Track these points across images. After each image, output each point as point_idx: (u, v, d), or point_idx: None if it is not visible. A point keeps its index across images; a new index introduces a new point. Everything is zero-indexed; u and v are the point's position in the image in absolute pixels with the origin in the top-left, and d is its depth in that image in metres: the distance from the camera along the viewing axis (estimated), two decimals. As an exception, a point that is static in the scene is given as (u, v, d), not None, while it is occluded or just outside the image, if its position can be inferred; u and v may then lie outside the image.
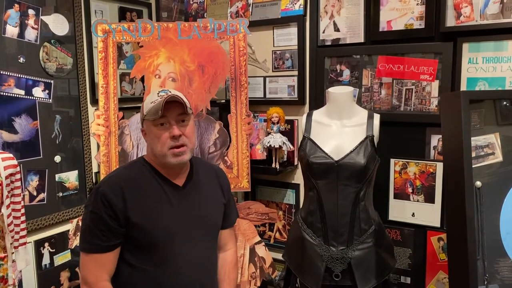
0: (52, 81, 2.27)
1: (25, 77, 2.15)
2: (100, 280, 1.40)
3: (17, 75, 2.11)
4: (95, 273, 1.40)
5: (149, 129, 1.45)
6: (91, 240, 1.39)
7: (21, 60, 2.13)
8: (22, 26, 2.14)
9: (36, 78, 2.20)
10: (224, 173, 1.73)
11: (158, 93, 1.45)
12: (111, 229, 1.39)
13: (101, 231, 1.38)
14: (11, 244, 1.77)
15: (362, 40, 2.20)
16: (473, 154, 1.40)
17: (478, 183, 1.38)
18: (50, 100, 2.27)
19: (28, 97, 2.17)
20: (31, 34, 2.17)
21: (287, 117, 2.34)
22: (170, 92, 1.45)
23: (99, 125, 2.17)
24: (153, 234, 1.42)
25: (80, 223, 2.17)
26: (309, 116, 1.95)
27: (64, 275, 2.39)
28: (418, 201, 2.12)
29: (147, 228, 1.41)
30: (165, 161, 1.45)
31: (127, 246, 1.43)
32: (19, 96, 2.13)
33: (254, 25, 2.40)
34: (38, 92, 2.21)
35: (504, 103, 1.50)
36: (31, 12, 2.17)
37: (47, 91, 2.25)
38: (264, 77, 2.49)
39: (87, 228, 1.40)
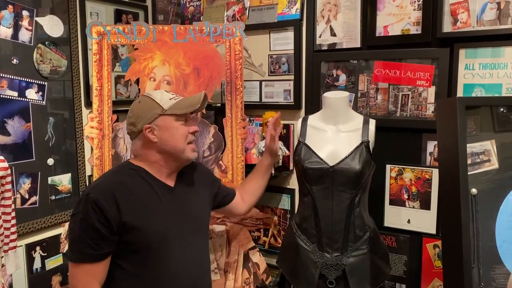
0: (46, 83, 2.25)
1: (19, 78, 2.13)
2: None
3: (10, 76, 2.09)
4: (85, 283, 1.37)
5: (169, 124, 1.48)
6: (82, 249, 1.35)
7: (15, 61, 2.11)
8: (16, 27, 2.12)
9: (29, 80, 2.18)
10: (204, 166, 1.83)
11: (166, 93, 1.53)
12: (103, 237, 1.35)
13: (92, 239, 1.35)
14: (0, 248, 1.75)
15: (358, 45, 2.19)
16: (469, 161, 1.39)
17: (474, 190, 1.37)
18: (44, 102, 2.25)
19: (21, 99, 2.14)
20: (25, 36, 2.15)
21: (283, 122, 2.31)
22: (177, 95, 1.55)
23: (92, 127, 2.15)
24: (149, 237, 1.40)
25: (72, 227, 2.14)
26: (304, 120, 1.93)
27: (56, 280, 2.36)
28: (413, 207, 2.11)
29: (143, 231, 1.39)
30: (182, 156, 1.50)
31: (121, 251, 1.41)
32: (12, 97, 2.11)
33: (251, 29, 2.38)
34: (32, 94, 2.19)
35: (501, 109, 1.49)
36: (25, 13, 2.15)
37: (40, 93, 2.23)
38: (260, 81, 2.48)
39: (78, 237, 1.36)
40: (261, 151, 2.25)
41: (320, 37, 2.28)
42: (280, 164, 2.39)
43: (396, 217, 2.15)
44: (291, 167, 2.41)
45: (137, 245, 1.40)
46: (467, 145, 1.37)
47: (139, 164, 1.49)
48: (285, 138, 2.37)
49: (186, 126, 1.50)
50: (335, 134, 1.85)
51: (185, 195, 1.54)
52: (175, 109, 1.47)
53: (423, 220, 2.08)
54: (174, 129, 1.47)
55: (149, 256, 1.42)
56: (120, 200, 1.37)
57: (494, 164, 1.43)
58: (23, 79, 2.15)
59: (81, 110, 2.44)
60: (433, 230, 2.07)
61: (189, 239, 1.51)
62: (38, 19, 2.21)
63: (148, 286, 1.42)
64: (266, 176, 1.95)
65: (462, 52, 1.94)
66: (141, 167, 1.48)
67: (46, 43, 2.26)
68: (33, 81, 2.20)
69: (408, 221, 2.12)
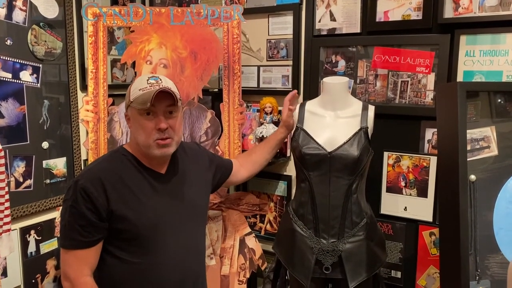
0: (40, 65, 2.21)
1: (13, 60, 2.09)
2: (82, 276, 1.36)
3: (4, 57, 2.05)
4: (76, 268, 1.36)
5: (134, 117, 1.40)
6: (71, 236, 1.35)
7: (9, 42, 2.07)
8: (10, 7, 2.07)
9: (24, 62, 2.14)
10: (202, 147, 1.78)
11: (147, 80, 1.39)
12: (92, 223, 1.34)
13: (82, 226, 1.34)
14: (-6, 230, 1.73)
15: (358, 31, 2.16)
16: (468, 147, 1.38)
17: (473, 177, 1.36)
18: (38, 85, 2.22)
19: (15, 80, 2.11)
20: (19, 16, 2.11)
21: (280, 108, 2.30)
22: (160, 80, 1.40)
23: (87, 111, 2.12)
24: (139, 225, 1.39)
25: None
26: (302, 106, 1.92)
27: (51, 263, 2.35)
28: (410, 195, 2.10)
29: (133, 220, 1.37)
30: (149, 152, 1.41)
31: (112, 238, 1.39)
32: (6, 79, 2.07)
33: (249, 12, 2.35)
34: (26, 76, 2.15)
35: (499, 100, 1.48)
36: (19, -7, 2.10)
37: (35, 75, 2.19)
38: (258, 66, 2.45)
39: (67, 223, 1.35)
40: (258, 137, 2.24)
41: (319, 22, 2.25)
42: (277, 150, 2.37)
43: (393, 204, 2.14)
44: (288, 153, 2.39)
45: (127, 233, 1.39)
46: (467, 131, 1.36)
47: (130, 150, 1.47)
48: (283, 124, 2.35)
49: (152, 121, 1.37)
50: (334, 120, 1.84)
51: (178, 181, 1.51)
52: (137, 102, 1.37)
53: (420, 208, 2.08)
54: (137, 123, 1.39)
55: (140, 244, 1.40)
56: (108, 188, 1.36)
57: (493, 151, 1.42)
58: (17, 60, 2.11)
59: (76, 94, 2.40)
60: (429, 218, 2.06)
61: (182, 226, 1.49)
62: (33, 0, 2.17)
63: (140, 273, 1.41)
64: (275, 150, 1.98)
65: (463, 39, 1.91)
66: (132, 153, 1.46)
67: (41, 24, 2.21)
68: (28, 62, 2.16)
69: (405, 209, 2.12)
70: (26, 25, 2.15)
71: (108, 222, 1.37)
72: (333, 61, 2.23)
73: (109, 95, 2.17)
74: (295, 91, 1.93)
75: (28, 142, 2.19)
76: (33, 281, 2.26)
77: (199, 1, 2.59)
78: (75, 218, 1.34)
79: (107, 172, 1.40)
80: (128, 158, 1.45)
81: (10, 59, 2.08)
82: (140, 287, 1.42)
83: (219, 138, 2.25)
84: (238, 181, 1.95)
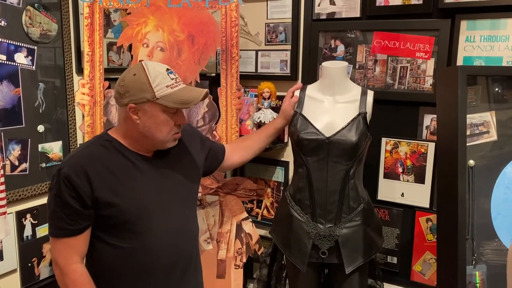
0: (35, 47, 2.18)
1: (7, 41, 2.06)
2: (72, 263, 1.35)
3: (-2, 39, 2.03)
4: (66, 256, 1.35)
5: (154, 113, 1.36)
6: (58, 224, 1.34)
7: (3, 23, 2.04)
8: (4, -12, 2.04)
9: (18, 43, 2.11)
10: (195, 128, 1.76)
11: (168, 74, 1.37)
12: (77, 212, 1.32)
13: (67, 215, 1.32)
14: (-11, 213, 1.72)
15: (358, 15, 2.13)
16: (468, 132, 1.37)
17: (472, 162, 1.36)
18: (33, 67, 2.19)
19: (9, 62, 2.08)
20: (13, -4, 2.08)
21: (278, 93, 2.28)
22: (179, 78, 1.41)
23: (83, 94, 2.09)
24: (127, 210, 1.36)
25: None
26: (303, 90, 1.90)
27: (47, 247, 2.34)
28: (408, 181, 2.10)
29: (120, 205, 1.35)
30: (162, 146, 1.43)
31: (100, 224, 1.37)
32: (0, 61, 2.04)
33: (247, -5, 2.32)
34: (21, 58, 2.13)
35: (497, 89, 1.47)
36: (13, -27, 2.07)
37: (30, 58, 2.17)
38: (256, 51, 2.42)
39: (53, 212, 1.34)
40: (256, 122, 2.22)
41: (319, 5, 2.22)
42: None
43: (390, 190, 2.14)
44: (286, 139, 2.38)
45: (115, 219, 1.37)
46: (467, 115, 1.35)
47: (115, 136, 1.43)
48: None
49: (173, 118, 1.40)
50: (332, 105, 1.82)
51: (167, 163, 1.49)
52: (168, 100, 1.35)
53: (417, 194, 2.08)
54: (159, 119, 1.37)
55: (129, 228, 1.38)
56: (92, 175, 1.33)
57: (493, 136, 1.41)
58: (12, 42, 2.08)
59: (72, 77, 2.38)
60: (426, 204, 2.06)
61: (172, 208, 1.46)
62: (27, -20, 2.14)
63: (130, 257, 1.39)
64: (271, 138, 1.96)
65: (463, 24, 1.89)
66: (117, 139, 1.42)
67: (36, 5, 2.18)
68: (22, 44, 2.13)
69: (402, 195, 2.12)
70: (21, 6, 2.12)
71: (94, 209, 1.34)
72: (332, 46, 2.21)
73: (105, 79, 2.14)
74: (301, 84, 1.92)
75: (24, 125, 2.17)
76: (29, 264, 2.26)
77: (196, -17, 2.55)
78: (60, 206, 1.33)
79: (90, 159, 1.36)
80: (112, 144, 1.41)
81: (4, 41, 2.05)
82: (131, 271, 1.40)
83: (216, 123, 2.23)
84: (230, 166, 1.90)
